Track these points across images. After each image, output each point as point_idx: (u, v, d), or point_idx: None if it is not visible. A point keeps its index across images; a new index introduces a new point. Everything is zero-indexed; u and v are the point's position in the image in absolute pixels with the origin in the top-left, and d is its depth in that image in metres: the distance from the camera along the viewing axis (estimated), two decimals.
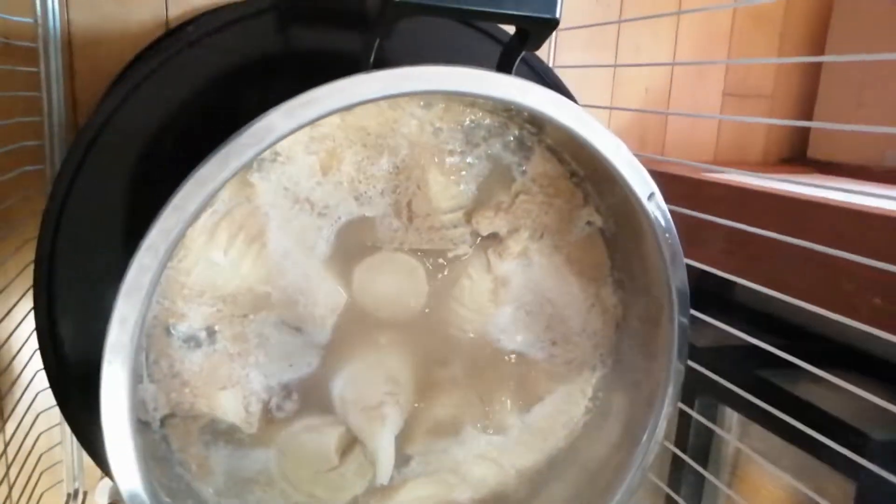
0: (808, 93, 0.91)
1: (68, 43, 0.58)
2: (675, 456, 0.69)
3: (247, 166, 0.36)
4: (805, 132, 0.92)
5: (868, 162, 0.82)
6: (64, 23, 0.57)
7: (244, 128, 0.30)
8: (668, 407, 0.43)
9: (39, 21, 0.53)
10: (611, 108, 0.79)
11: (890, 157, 0.80)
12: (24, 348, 0.57)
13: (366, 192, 0.38)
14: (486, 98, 0.32)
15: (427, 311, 0.41)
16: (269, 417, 0.39)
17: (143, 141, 0.41)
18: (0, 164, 0.53)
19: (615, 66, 0.81)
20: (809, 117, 0.89)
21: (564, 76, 0.48)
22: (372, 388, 0.40)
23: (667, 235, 0.38)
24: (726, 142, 0.89)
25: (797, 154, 0.93)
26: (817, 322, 0.74)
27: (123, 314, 0.29)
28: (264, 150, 0.30)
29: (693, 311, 0.43)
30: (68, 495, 0.63)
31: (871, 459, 0.42)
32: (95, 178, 0.40)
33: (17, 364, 0.58)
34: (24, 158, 0.55)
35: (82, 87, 0.59)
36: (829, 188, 0.45)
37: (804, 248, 0.54)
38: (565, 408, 0.45)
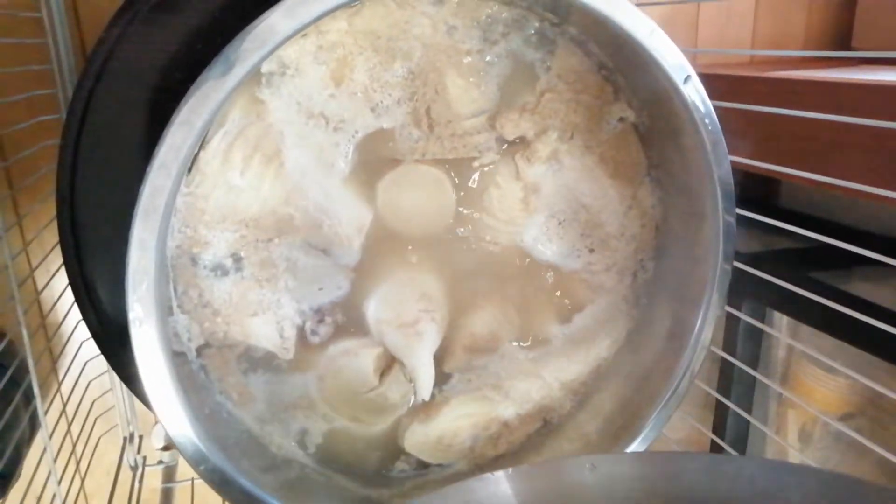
0: None
1: None
2: (723, 368, 0.68)
3: (255, 80, 0.35)
4: (849, 20, 0.85)
5: None
6: None
7: (244, 32, 0.28)
8: (714, 310, 0.41)
9: None
10: (638, 3, 0.74)
11: None
12: (63, 296, 0.58)
13: (382, 102, 0.36)
14: None
15: (456, 224, 0.39)
16: (304, 343, 0.38)
17: (149, 71, 0.39)
18: (15, 115, 0.52)
19: None
20: (853, 3, 0.83)
21: None
22: (406, 306, 0.39)
23: (706, 121, 0.36)
24: (763, 37, 0.83)
25: (841, 47, 0.87)
26: (866, 222, 0.70)
27: (142, 238, 0.28)
28: (268, 54, 0.28)
29: (740, 210, 0.40)
30: (124, 439, 0.65)
31: None
32: (107, 111, 0.38)
33: (59, 312, 0.59)
34: (38, 108, 0.54)
35: (89, 31, 0.58)
36: (883, 70, 0.41)
37: (854, 137, 0.51)
38: (607, 317, 0.44)
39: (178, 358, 0.36)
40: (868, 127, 0.45)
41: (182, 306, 0.36)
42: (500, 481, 0.28)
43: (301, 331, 0.38)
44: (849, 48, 0.84)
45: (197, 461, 0.32)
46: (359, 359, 0.39)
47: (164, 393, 0.31)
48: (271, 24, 0.28)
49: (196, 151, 0.33)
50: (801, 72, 0.63)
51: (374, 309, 0.39)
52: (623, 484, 0.28)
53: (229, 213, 0.35)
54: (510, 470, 0.27)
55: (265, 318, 0.37)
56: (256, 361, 0.38)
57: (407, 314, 0.38)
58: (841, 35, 0.87)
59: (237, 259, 0.36)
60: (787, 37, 0.85)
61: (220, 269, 0.36)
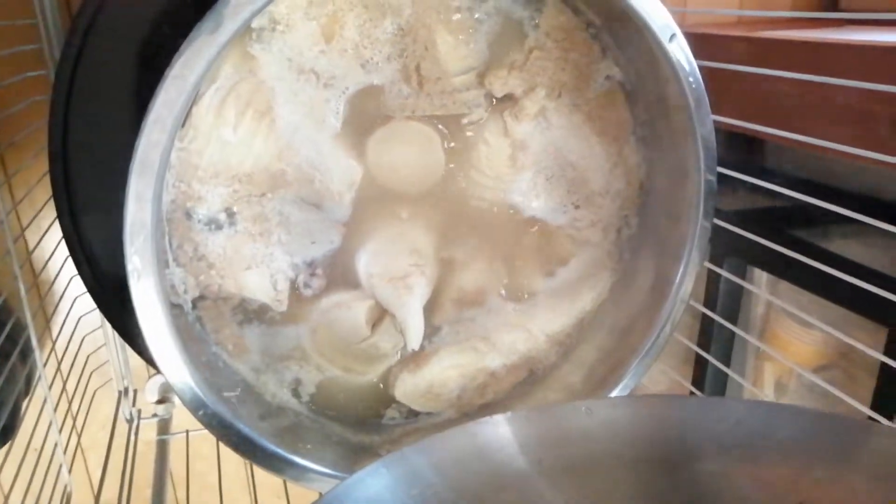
0: None
1: None
2: (703, 322, 0.70)
3: (246, 36, 0.35)
4: None
5: None
6: None
7: None
8: (694, 265, 0.42)
9: None
10: None
11: None
12: (55, 253, 0.58)
13: (372, 58, 0.37)
14: None
15: (445, 180, 0.40)
16: (297, 295, 0.39)
17: (139, 25, 0.39)
18: (1, 72, 0.52)
19: None
20: None
21: None
22: (396, 260, 0.40)
23: (690, 80, 0.37)
24: None
25: (828, 8, 0.88)
26: (847, 181, 0.72)
27: (138, 191, 0.29)
28: (260, 9, 0.29)
29: (721, 169, 0.41)
30: (119, 393, 0.66)
31: None
32: (96, 66, 0.38)
33: (51, 270, 0.59)
34: (25, 64, 0.53)
35: None
36: (868, 31, 0.42)
37: (836, 97, 0.52)
38: (591, 271, 0.45)
39: (174, 310, 0.37)
40: (852, 88, 0.45)
41: (178, 260, 0.37)
42: (499, 424, 0.30)
43: (294, 284, 0.39)
44: (836, 9, 0.85)
45: (196, 407, 0.33)
46: (351, 311, 0.40)
47: (164, 342, 0.32)
48: None
49: (189, 107, 0.34)
50: (787, 31, 0.63)
51: (365, 263, 0.40)
52: (619, 426, 0.29)
53: (223, 169, 0.36)
54: (509, 413, 0.29)
55: (259, 272, 0.38)
56: (251, 314, 0.39)
57: (397, 268, 0.40)
58: None
59: (231, 214, 0.37)
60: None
61: (214, 224, 0.37)
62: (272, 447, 0.35)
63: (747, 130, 0.51)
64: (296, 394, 0.41)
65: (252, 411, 0.38)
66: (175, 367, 0.32)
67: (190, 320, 0.38)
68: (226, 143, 0.35)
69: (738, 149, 0.81)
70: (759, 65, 0.63)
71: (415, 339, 0.38)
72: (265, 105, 0.35)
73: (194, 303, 0.38)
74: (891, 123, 0.46)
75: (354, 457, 0.40)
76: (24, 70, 0.53)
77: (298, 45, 0.35)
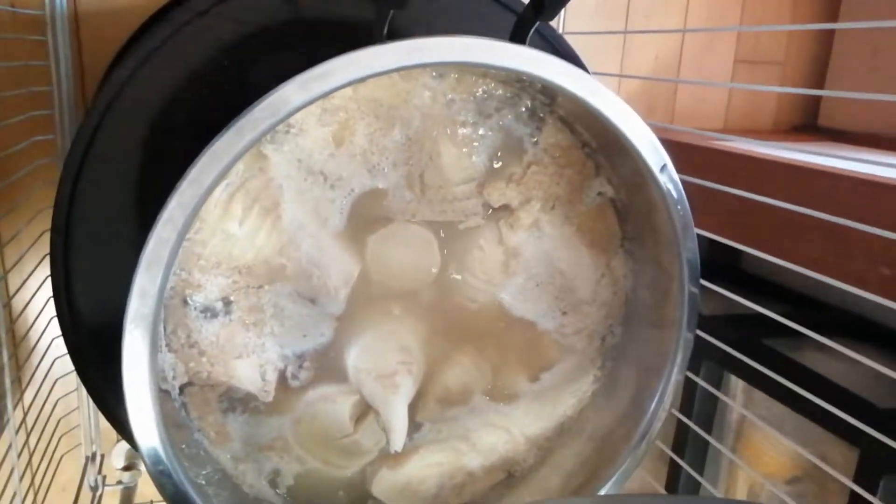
0: (820, 60, 0.90)
1: (74, 11, 0.57)
2: (679, 423, 0.71)
3: (256, 142, 0.36)
4: (817, 100, 0.91)
5: (880, 130, 0.81)
6: None
7: (259, 101, 0.30)
8: (676, 376, 0.43)
9: None
10: (620, 76, 0.78)
11: None
12: (40, 316, 0.58)
13: (378, 164, 0.38)
14: (501, 69, 0.32)
15: (439, 281, 0.41)
16: (284, 386, 0.40)
17: (155, 111, 0.41)
18: (11, 135, 0.53)
19: (625, 32, 0.80)
20: (821, 85, 0.88)
21: (573, 43, 0.47)
22: (385, 357, 0.40)
23: (678, 207, 0.38)
24: (736, 110, 0.88)
25: (808, 122, 0.93)
26: (824, 292, 0.74)
27: (143, 287, 0.30)
28: (278, 123, 0.30)
29: (702, 282, 0.43)
30: (87, 458, 0.64)
31: (874, 428, 0.43)
32: (109, 148, 0.40)
33: (35, 332, 0.59)
34: (34, 128, 0.55)
35: (89, 55, 0.59)
36: (841, 157, 0.45)
37: (814, 219, 0.54)
38: (574, 376, 0.46)
39: (161, 394, 0.37)
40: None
41: (170, 345, 0.37)
42: None
43: (282, 374, 0.40)
44: (815, 127, 0.89)
45: (175, 500, 0.33)
46: (336, 405, 0.40)
47: (150, 432, 0.32)
48: (285, 95, 0.30)
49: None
50: (769, 149, 0.67)
51: (354, 358, 0.40)
52: None
53: (224, 260, 0.37)
54: None
55: (249, 361, 0.38)
56: (236, 402, 0.39)
57: (386, 365, 0.40)
58: (811, 109, 0.92)
59: (227, 303, 0.38)
60: (759, 109, 0.90)
61: (209, 312, 0.38)
62: None
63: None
64: (273, 484, 0.41)
65: (227, 502, 0.38)
66: (159, 458, 0.32)
67: (176, 406, 0.38)
68: (230, 236, 0.36)
69: (718, 253, 0.84)
70: (742, 179, 0.66)
71: (399, 441, 0.38)
72: (272, 202, 0.37)
73: (181, 389, 0.38)
74: (866, 255, 0.49)
75: None
76: (32, 134, 0.54)
77: (309, 148, 0.37)
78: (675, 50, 0.84)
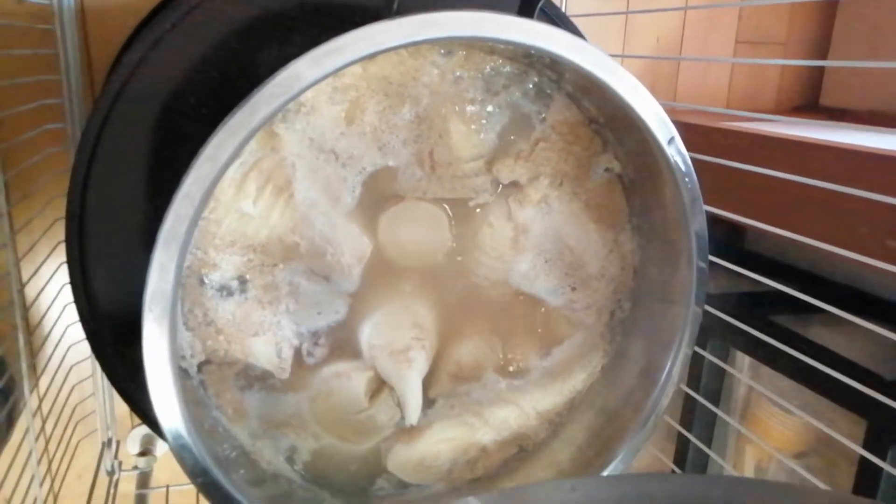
0: (821, 40, 0.90)
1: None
2: (686, 399, 0.71)
3: (271, 118, 0.37)
4: (818, 80, 0.91)
5: (882, 108, 0.81)
6: None
7: (272, 77, 0.31)
8: (684, 350, 0.44)
9: None
10: (623, 56, 0.78)
11: None
12: (54, 304, 0.58)
13: (389, 142, 0.39)
14: (511, 44, 0.32)
15: (450, 258, 0.42)
16: (300, 363, 0.40)
17: (165, 94, 0.41)
18: (22, 123, 0.54)
19: (627, 12, 0.80)
20: (822, 68, 0.88)
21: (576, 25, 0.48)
22: (398, 333, 0.41)
23: (686, 180, 0.39)
24: (738, 91, 0.88)
25: (810, 102, 0.93)
26: (828, 270, 0.75)
27: (162, 262, 0.30)
28: (292, 98, 0.31)
29: (710, 258, 0.44)
30: (103, 444, 0.65)
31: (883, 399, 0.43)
32: (121, 131, 0.40)
33: (49, 319, 0.60)
34: (44, 117, 0.55)
35: (95, 44, 0.59)
36: (845, 129, 0.45)
37: (819, 194, 0.55)
38: (584, 351, 0.46)
39: (180, 373, 0.37)
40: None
41: (187, 324, 0.38)
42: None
43: (298, 352, 0.40)
44: (817, 106, 0.89)
45: (196, 474, 0.33)
46: (351, 381, 0.41)
47: (171, 408, 0.32)
48: (297, 71, 0.30)
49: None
50: (772, 126, 0.67)
51: (368, 334, 0.41)
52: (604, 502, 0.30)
53: (239, 239, 0.37)
54: (496, 492, 0.29)
55: (265, 339, 0.39)
56: (253, 379, 0.40)
57: (399, 341, 0.41)
58: (812, 89, 0.92)
59: (243, 281, 0.38)
60: (761, 90, 0.90)
61: (225, 290, 0.38)
62: None
63: (731, 219, 0.54)
64: (290, 461, 0.41)
65: (246, 477, 0.39)
66: (179, 433, 0.33)
67: (194, 384, 0.38)
68: (244, 215, 0.37)
69: (723, 232, 0.85)
70: (745, 157, 0.66)
71: (413, 415, 0.39)
72: (285, 181, 0.37)
73: (199, 367, 0.38)
74: (871, 228, 0.49)
75: None
76: (43, 122, 0.54)
77: (321, 127, 0.37)
78: (677, 31, 0.84)
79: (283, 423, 0.41)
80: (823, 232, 0.56)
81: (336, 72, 0.31)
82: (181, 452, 0.33)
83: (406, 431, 0.43)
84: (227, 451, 0.39)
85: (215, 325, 0.38)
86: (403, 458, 0.43)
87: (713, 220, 0.56)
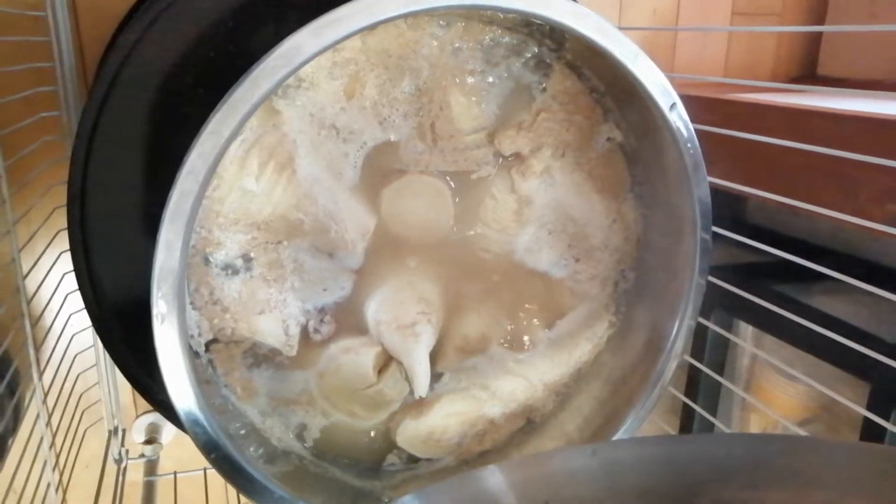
0: (817, 10, 0.90)
1: None
2: (691, 370, 0.72)
3: (273, 91, 0.37)
4: (815, 50, 0.91)
5: (879, 76, 0.81)
6: None
7: (272, 50, 0.30)
8: (688, 320, 0.44)
9: None
10: (620, 28, 0.77)
11: None
12: (56, 293, 0.58)
13: (389, 116, 0.39)
14: (511, 11, 0.32)
15: (453, 232, 0.42)
16: (307, 340, 0.40)
17: (163, 75, 0.41)
18: (17, 112, 0.53)
19: None
20: (820, 35, 0.88)
21: None
22: (404, 308, 0.41)
23: (689, 146, 0.39)
24: (735, 62, 0.88)
25: (807, 73, 0.93)
26: (829, 240, 0.75)
27: (169, 239, 0.30)
28: (293, 71, 0.30)
29: (714, 228, 0.44)
30: (109, 432, 0.65)
31: (886, 362, 0.43)
32: (119, 113, 0.40)
33: (51, 309, 0.60)
34: (39, 105, 0.55)
35: (86, 28, 0.59)
36: (845, 94, 0.45)
37: (818, 161, 0.55)
38: (589, 322, 0.47)
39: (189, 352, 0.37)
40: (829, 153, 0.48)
41: (194, 303, 0.38)
42: (493, 473, 0.30)
43: (304, 329, 0.40)
44: (814, 76, 0.89)
45: (209, 450, 0.34)
46: (358, 357, 0.41)
47: (182, 385, 0.32)
48: (298, 43, 0.30)
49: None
50: (770, 95, 0.67)
51: (374, 310, 0.41)
52: (624, 466, 0.30)
53: (242, 216, 0.37)
54: (514, 460, 0.29)
55: (271, 317, 0.39)
56: (261, 357, 0.40)
57: (405, 316, 0.41)
58: (809, 59, 0.92)
59: (247, 259, 0.38)
60: (758, 61, 0.90)
61: (230, 269, 0.38)
62: (280, 491, 0.36)
63: (732, 189, 0.54)
64: (300, 438, 0.42)
65: (258, 454, 0.39)
66: (191, 409, 0.33)
67: (203, 363, 0.38)
68: (247, 192, 0.37)
69: (724, 204, 0.85)
70: (744, 127, 0.66)
71: (422, 387, 0.39)
72: (287, 157, 0.37)
73: (207, 346, 0.38)
74: (872, 193, 0.49)
75: (356, 502, 0.41)
76: (38, 111, 0.54)
77: (321, 102, 0.37)
78: (673, 3, 0.84)
79: (293, 400, 0.41)
80: (824, 198, 0.56)
81: (336, 43, 0.31)
82: (194, 428, 0.33)
83: (414, 406, 0.44)
84: (238, 429, 0.39)
85: (221, 303, 0.38)
86: (412, 433, 0.43)
87: (715, 190, 0.56)
